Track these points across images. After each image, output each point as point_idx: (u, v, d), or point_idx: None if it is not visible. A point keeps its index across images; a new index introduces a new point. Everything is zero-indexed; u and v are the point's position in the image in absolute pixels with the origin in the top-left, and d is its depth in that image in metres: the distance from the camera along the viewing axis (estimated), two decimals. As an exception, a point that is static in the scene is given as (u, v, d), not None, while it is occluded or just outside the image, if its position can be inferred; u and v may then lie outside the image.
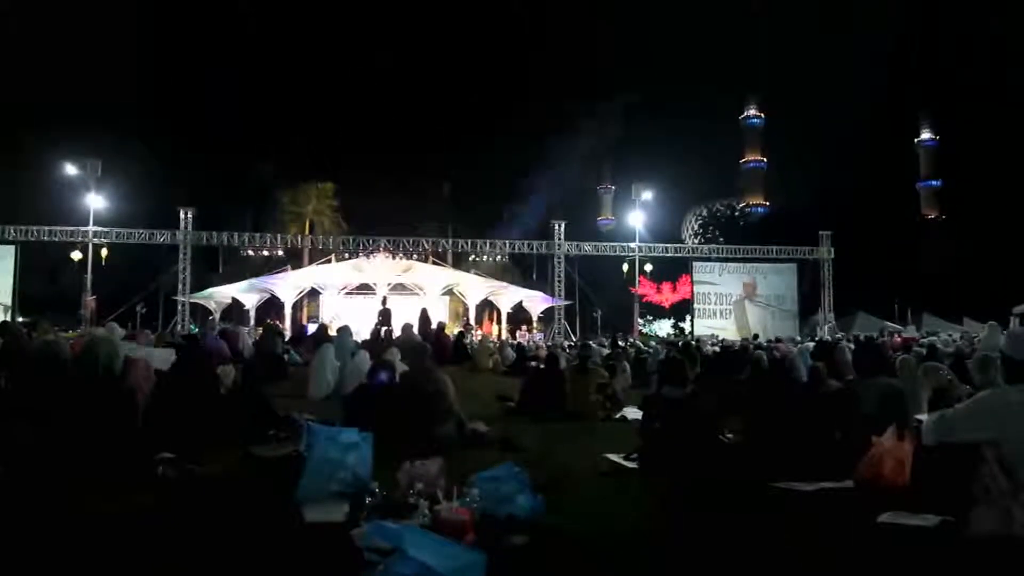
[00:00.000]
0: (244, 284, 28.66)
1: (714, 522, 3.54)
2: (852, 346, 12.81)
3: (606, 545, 3.20)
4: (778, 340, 17.64)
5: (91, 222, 26.43)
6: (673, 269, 35.94)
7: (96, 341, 4.67)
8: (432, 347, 7.24)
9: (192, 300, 27.62)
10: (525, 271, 38.98)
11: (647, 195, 32.29)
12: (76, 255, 27.33)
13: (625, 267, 33.28)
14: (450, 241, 31.16)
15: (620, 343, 17.22)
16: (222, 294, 28.54)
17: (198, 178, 37.28)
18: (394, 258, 28.67)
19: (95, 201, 26.76)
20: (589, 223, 70.28)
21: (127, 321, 24.36)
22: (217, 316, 28.59)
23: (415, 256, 29.67)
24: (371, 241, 28.99)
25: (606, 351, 13.82)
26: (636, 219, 31.42)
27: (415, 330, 13.81)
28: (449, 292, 29.10)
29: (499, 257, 33.68)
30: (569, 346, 18.23)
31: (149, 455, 4.22)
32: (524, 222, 38.95)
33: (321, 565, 2.83)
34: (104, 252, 27.93)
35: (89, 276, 26.28)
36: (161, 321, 28.57)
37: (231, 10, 63.59)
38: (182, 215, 27.27)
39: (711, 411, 5.27)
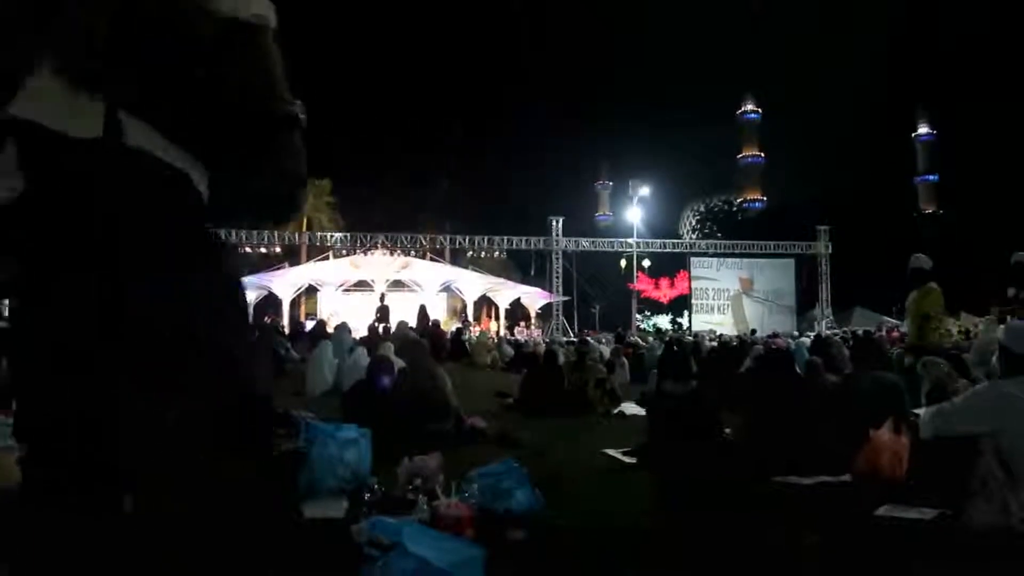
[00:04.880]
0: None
1: (712, 517, 3.55)
2: (850, 341, 12.83)
3: (605, 540, 3.20)
4: (775, 335, 17.67)
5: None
6: (671, 264, 35.96)
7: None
8: (428, 343, 7.25)
9: (189, 297, 27.54)
10: (523, 267, 39.01)
11: (644, 191, 32.33)
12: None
13: (623, 263, 33.35)
14: (448, 237, 31.13)
15: (630, 338, 17.19)
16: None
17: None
18: (392, 255, 28.63)
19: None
20: (587, 219, 70.32)
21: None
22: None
23: (413, 252, 29.64)
24: (368, 238, 28.97)
25: (608, 348, 13.81)
26: (634, 215, 31.47)
27: (411, 326, 13.82)
28: (447, 289, 29.10)
29: (497, 253, 33.72)
30: (567, 342, 18.24)
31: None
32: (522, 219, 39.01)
33: (320, 561, 2.83)
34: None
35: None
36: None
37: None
38: (179, 212, 27.20)
39: (713, 407, 5.28)
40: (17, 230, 1.25)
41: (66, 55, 1.24)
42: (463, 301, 29.00)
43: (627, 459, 4.98)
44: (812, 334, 18.52)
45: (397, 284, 27.22)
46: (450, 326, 20.55)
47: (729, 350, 12.80)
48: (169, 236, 1.28)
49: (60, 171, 1.22)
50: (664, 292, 37.81)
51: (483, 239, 30.94)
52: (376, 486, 3.46)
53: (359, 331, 13.71)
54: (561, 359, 9.65)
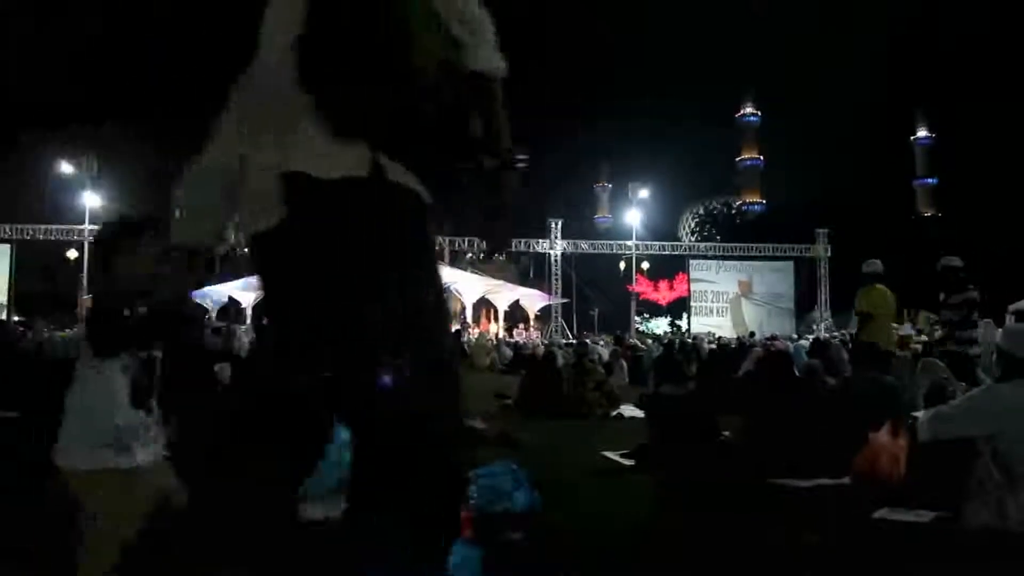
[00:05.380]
0: (241, 282, 28.50)
1: (711, 518, 3.55)
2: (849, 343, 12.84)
3: (603, 542, 3.21)
4: (774, 337, 17.68)
5: (87, 220, 26.36)
6: (670, 267, 36.00)
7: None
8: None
9: (188, 298, 27.53)
10: (522, 269, 38.99)
11: (643, 193, 32.33)
12: (72, 254, 27.28)
13: (622, 265, 33.34)
14: (446, 239, 31.12)
15: (629, 340, 17.19)
16: (219, 292, 28.48)
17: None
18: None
19: (91, 199, 26.68)
20: (586, 221, 70.32)
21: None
22: (214, 314, 28.54)
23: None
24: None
25: (606, 349, 13.82)
26: (633, 217, 31.45)
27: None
28: (446, 290, 29.05)
29: (497, 256, 33.66)
30: (566, 344, 18.25)
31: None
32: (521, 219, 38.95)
33: (318, 562, 2.83)
34: (100, 251, 27.84)
35: (85, 275, 26.21)
36: (157, 320, 28.46)
37: (229, 8, 63.50)
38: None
39: (710, 408, 5.29)
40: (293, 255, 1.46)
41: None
42: (462, 303, 28.99)
43: (626, 461, 4.98)
44: (811, 336, 18.52)
45: (396, 286, 27.16)
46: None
47: (728, 352, 12.80)
48: (415, 254, 1.52)
49: (330, 206, 1.42)
50: (663, 294, 37.89)
51: (482, 241, 30.85)
52: (374, 487, 3.46)
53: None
54: (560, 361, 9.66)
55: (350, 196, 1.41)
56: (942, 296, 7.17)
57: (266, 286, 1.56)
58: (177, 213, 1.75)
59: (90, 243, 25.69)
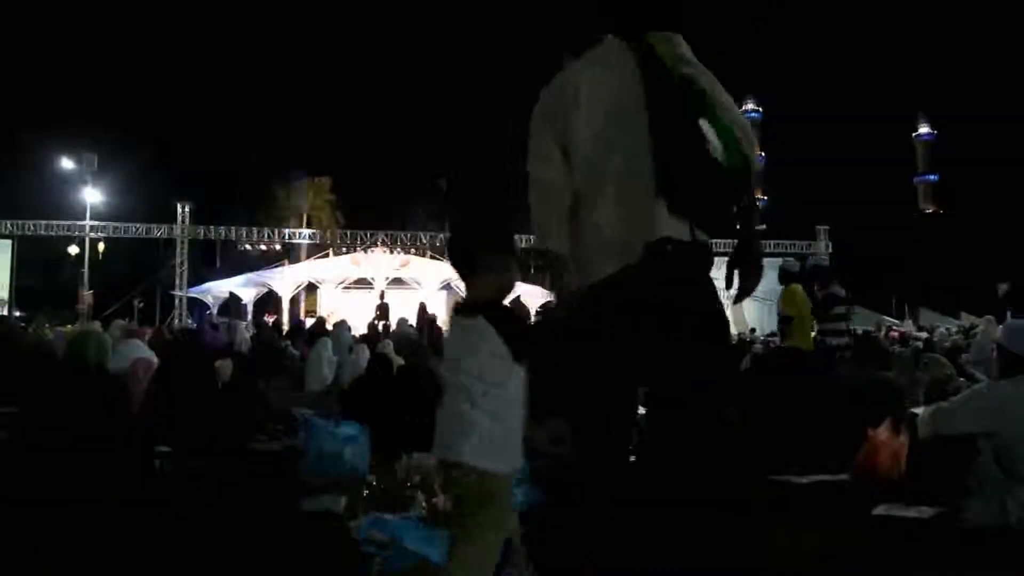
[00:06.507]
0: (241, 278, 28.59)
1: (710, 515, 3.54)
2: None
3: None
4: (774, 334, 17.67)
5: (88, 216, 26.35)
6: (670, 264, 35.97)
7: (85, 335, 4.65)
8: (427, 340, 7.26)
9: (189, 295, 27.57)
10: (524, 265, 38.81)
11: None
12: (73, 249, 27.26)
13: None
14: (448, 235, 31.06)
15: None
16: (219, 288, 28.48)
17: (195, 173, 37.27)
18: (392, 252, 28.57)
19: (92, 195, 26.67)
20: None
21: (124, 316, 24.32)
22: (215, 310, 28.55)
23: (413, 250, 29.60)
24: (369, 235, 28.94)
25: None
26: (634, 213, 31.41)
27: (412, 323, 13.84)
28: (447, 287, 29.07)
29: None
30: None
31: (146, 449, 4.21)
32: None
33: (318, 558, 2.84)
34: (101, 246, 27.86)
35: (86, 270, 26.22)
36: (158, 316, 28.54)
37: (230, 3, 63.36)
38: (179, 209, 27.20)
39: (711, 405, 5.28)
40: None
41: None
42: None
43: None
44: (812, 333, 18.48)
45: (397, 282, 27.19)
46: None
47: (728, 349, 12.77)
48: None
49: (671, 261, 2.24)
50: (664, 291, 37.80)
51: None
52: (374, 483, 3.47)
53: (359, 328, 13.69)
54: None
55: (679, 254, 2.20)
56: (820, 293, 7.48)
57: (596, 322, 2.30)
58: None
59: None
